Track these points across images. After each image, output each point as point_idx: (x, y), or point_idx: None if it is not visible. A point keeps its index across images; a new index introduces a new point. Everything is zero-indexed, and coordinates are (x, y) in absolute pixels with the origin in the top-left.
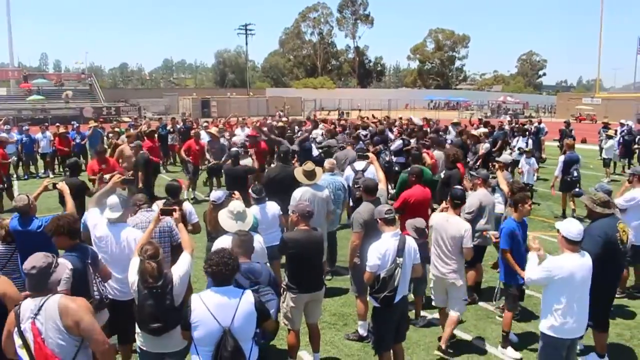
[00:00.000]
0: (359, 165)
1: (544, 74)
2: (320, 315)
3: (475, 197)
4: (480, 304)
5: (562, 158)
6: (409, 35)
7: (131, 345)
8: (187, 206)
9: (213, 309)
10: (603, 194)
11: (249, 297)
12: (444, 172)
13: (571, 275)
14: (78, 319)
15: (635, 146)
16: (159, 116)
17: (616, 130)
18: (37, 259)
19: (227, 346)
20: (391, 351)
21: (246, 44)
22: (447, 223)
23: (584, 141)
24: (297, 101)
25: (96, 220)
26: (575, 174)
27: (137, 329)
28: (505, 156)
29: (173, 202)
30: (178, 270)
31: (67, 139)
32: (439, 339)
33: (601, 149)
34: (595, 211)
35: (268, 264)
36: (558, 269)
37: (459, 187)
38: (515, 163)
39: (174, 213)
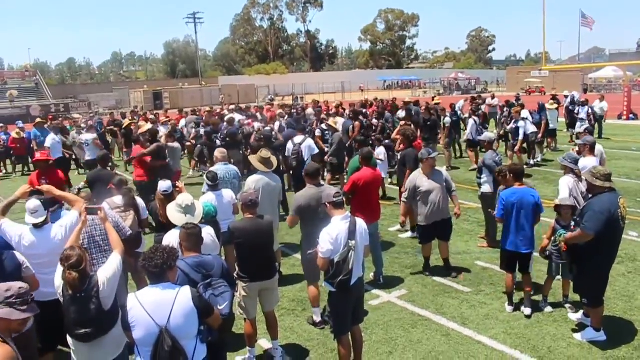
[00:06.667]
0: None
1: (494, 49)
2: (277, 302)
3: (445, 173)
4: (437, 279)
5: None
6: (359, 17)
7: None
8: (139, 202)
9: (149, 308)
10: (603, 168)
11: (185, 293)
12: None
13: None
14: None
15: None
16: (110, 111)
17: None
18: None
19: (164, 346)
20: (349, 333)
21: (195, 32)
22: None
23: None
24: (250, 88)
25: (19, 231)
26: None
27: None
28: (488, 134)
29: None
30: (105, 273)
31: (22, 138)
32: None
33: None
34: (595, 184)
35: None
36: None
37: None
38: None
39: (99, 212)
